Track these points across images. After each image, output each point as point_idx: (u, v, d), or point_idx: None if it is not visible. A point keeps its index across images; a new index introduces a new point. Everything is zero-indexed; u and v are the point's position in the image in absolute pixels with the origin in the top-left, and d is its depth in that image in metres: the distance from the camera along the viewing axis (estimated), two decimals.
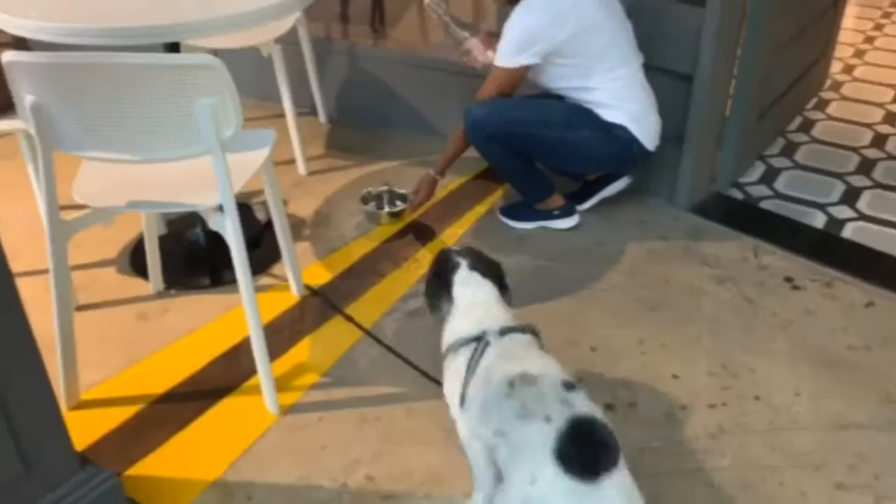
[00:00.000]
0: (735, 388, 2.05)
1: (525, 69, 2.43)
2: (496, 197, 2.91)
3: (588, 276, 2.47)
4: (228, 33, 2.55)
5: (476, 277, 1.70)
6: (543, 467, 1.32)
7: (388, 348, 2.16)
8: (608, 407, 1.98)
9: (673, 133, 2.70)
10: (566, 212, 2.71)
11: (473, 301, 1.66)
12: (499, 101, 2.53)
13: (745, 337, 2.23)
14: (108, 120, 1.66)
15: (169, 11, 1.99)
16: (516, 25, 2.38)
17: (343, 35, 3.86)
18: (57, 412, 1.42)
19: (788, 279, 2.46)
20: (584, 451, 1.34)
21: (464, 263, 1.72)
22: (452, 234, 2.69)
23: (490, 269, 1.75)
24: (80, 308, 2.32)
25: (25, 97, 1.65)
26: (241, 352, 2.13)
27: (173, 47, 2.25)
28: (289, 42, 3.21)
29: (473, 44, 2.61)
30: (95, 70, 1.60)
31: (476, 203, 2.89)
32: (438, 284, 1.71)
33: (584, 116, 2.47)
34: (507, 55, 2.41)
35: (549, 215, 2.71)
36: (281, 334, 2.22)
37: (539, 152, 2.55)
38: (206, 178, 1.78)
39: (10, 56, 1.60)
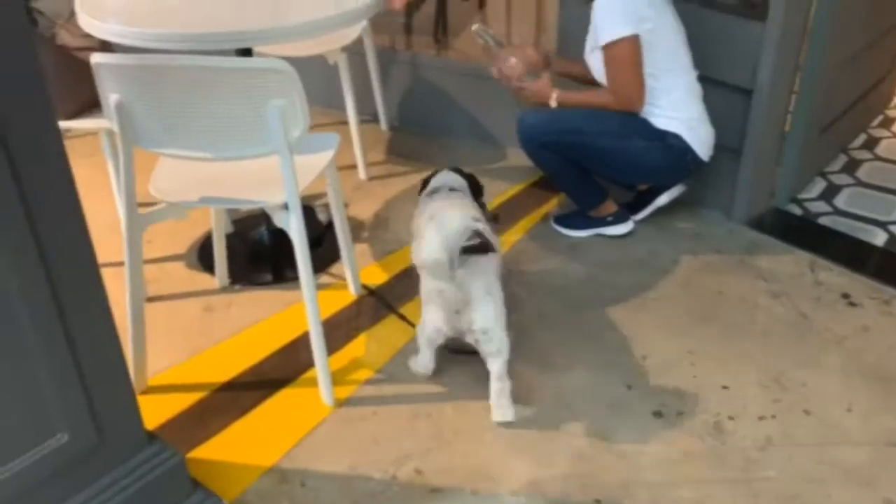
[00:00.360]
0: (785, 401, 2.04)
1: (638, 43, 2.38)
2: (551, 206, 2.95)
3: (640, 286, 2.49)
4: (298, 41, 2.66)
5: (451, 173, 2.34)
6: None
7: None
8: (656, 414, 2.00)
9: (731, 146, 2.71)
10: (620, 218, 2.74)
11: (443, 179, 2.32)
12: (552, 110, 2.57)
13: (797, 351, 2.22)
14: (185, 119, 1.76)
15: (243, 19, 2.10)
16: (614, 3, 2.38)
17: (406, 45, 3.95)
18: (130, 389, 1.52)
19: (845, 295, 2.44)
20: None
21: (446, 169, 2.38)
22: (506, 242, 2.74)
23: (464, 173, 2.37)
24: (150, 299, 2.44)
25: (110, 96, 1.76)
26: (299, 346, 2.21)
27: (246, 53, 2.36)
28: (354, 52, 3.32)
29: (513, 63, 2.63)
30: (175, 72, 1.71)
31: (530, 211, 2.93)
32: (426, 181, 2.36)
33: (637, 126, 2.50)
34: (617, 25, 2.37)
35: (602, 222, 2.74)
36: (338, 330, 2.30)
37: (592, 161, 2.58)
38: (273, 177, 1.87)
39: (98, 58, 1.72)
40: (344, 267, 2.45)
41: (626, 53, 2.40)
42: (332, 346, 2.20)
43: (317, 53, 3.00)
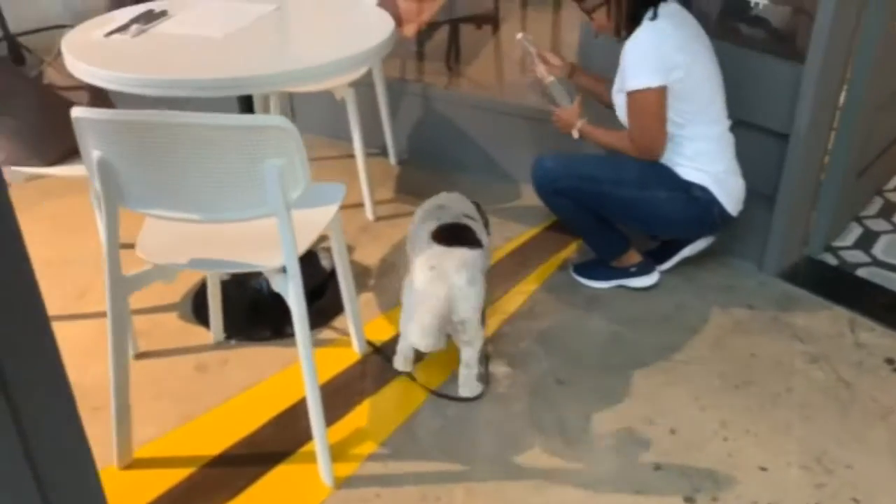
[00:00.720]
0: (830, 486, 1.86)
1: (664, 94, 2.22)
2: (569, 251, 2.77)
3: (667, 346, 2.31)
4: (301, 85, 2.51)
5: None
6: (425, 242, 2.10)
7: (454, 398, 2.11)
8: (688, 500, 1.82)
9: (763, 193, 2.53)
10: (644, 269, 2.56)
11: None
12: (570, 155, 2.43)
13: (840, 425, 2.03)
14: (174, 179, 1.60)
15: (241, 64, 1.94)
16: (644, 43, 2.20)
17: (417, 75, 3.80)
18: (98, 487, 1.34)
19: (889, 361, 2.25)
20: (446, 233, 2.11)
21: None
22: (521, 292, 2.57)
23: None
24: (140, 356, 2.28)
25: (92, 152, 1.60)
26: (298, 413, 2.04)
27: (247, 97, 2.21)
28: (363, 84, 3.16)
29: (542, 71, 2.49)
30: (162, 129, 1.54)
31: (548, 257, 2.76)
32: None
33: (660, 175, 2.33)
34: (646, 74, 2.19)
35: (625, 273, 2.56)
36: (339, 396, 2.13)
37: (609, 211, 2.41)
38: (270, 238, 1.70)
39: (77, 112, 1.56)
40: (347, 323, 2.28)
41: (650, 103, 2.24)
42: (333, 415, 2.04)
43: (324, 89, 2.85)
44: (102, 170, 1.61)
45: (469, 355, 2.08)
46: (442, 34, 3.88)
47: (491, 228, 2.48)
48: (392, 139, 3.37)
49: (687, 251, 2.60)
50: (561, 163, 2.40)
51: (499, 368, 2.23)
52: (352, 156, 3.05)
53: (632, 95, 2.25)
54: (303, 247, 1.79)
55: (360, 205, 3.03)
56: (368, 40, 2.05)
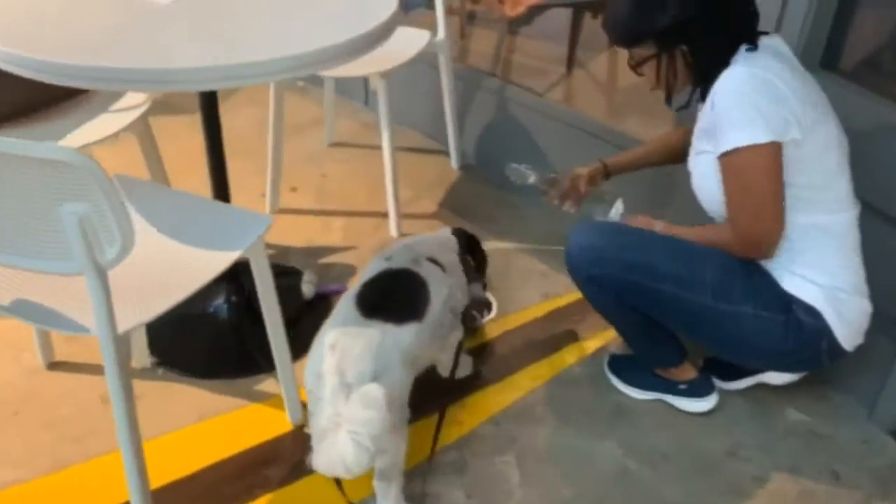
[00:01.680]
0: None
1: (779, 155, 1.49)
2: (612, 336, 2.11)
3: None
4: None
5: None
6: (350, 300, 1.61)
7: None
8: None
9: (889, 313, 1.77)
10: (698, 389, 1.88)
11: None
12: (622, 228, 1.76)
13: None
14: None
15: (156, 50, 1.49)
16: (747, 82, 1.50)
17: (505, 68, 3.20)
18: None
19: None
20: (377, 290, 1.64)
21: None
22: (529, 377, 1.98)
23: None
24: (52, 366, 1.95)
25: None
26: (189, 488, 1.64)
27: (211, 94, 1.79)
28: (434, 67, 2.66)
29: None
30: None
31: (584, 335, 2.13)
32: None
33: (752, 281, 1.61)
34: (751, 125, 1.47)
35: (671, 387, 1.89)
36: (238, 482, 1.68)
37: (668, 319, 1.72)
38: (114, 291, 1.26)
39: None
40: (280, 384, 1.81)
41: (759, 169, 1.50)
42: None
43: (358, 75, 2.36)
44: None
45: (384, 463, 1.53)
46: (556, 19, 3.22)
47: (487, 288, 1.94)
48: (455, 139, 2.83)
49: (770, 378, 1.88)
50: (607, 238, 1.71)
51: (448, 491, 1.68)
52: (414, 150, 2.57)
53: (730, 159, 1.52)
54: (171, 299, 1.36)
55: (387, 215, 2.52)
56: (351, 28, 1.54)
